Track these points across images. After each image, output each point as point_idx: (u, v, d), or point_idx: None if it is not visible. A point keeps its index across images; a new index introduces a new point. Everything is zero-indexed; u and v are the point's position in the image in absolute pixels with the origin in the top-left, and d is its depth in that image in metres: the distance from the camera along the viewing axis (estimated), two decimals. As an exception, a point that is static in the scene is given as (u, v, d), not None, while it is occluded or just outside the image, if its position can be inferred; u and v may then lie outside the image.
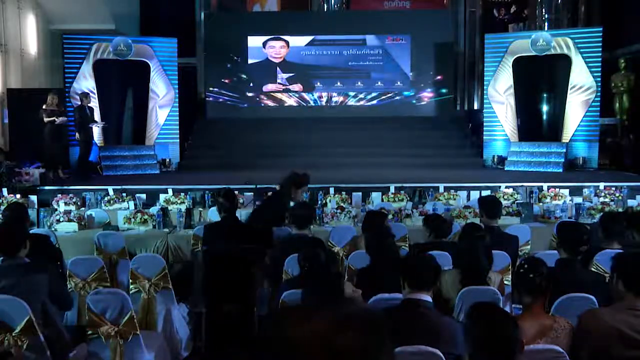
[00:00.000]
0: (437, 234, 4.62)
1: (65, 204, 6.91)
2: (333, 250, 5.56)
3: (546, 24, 13.20)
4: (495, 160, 11.89)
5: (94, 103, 10.93)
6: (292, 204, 5.50)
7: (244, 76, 14.37)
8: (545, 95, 12.51)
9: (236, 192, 7.43)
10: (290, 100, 14.48)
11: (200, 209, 6.66)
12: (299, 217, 4.80)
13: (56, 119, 9.87)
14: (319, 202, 7.14)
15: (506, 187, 7.83)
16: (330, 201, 7.15)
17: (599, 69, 11.35)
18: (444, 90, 14.36)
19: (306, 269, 3.74)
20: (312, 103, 14.48)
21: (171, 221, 6.28)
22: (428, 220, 4.81)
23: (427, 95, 14.41)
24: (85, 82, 11.42)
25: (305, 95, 14.47)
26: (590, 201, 7.01)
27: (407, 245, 5.41)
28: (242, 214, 6.31)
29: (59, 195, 7.38)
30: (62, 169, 10.04)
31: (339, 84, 14.41)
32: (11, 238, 3.60)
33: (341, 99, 14.45)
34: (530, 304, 2.87)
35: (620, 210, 6.43)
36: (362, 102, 14.43)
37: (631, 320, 2.66)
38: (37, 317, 3.35)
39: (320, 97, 14.48)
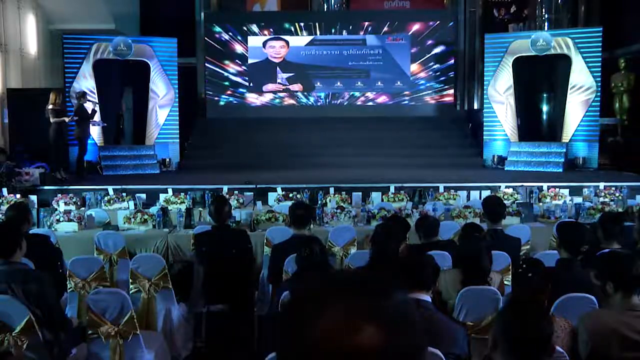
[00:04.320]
0: (426, 234, 4.62)
1: (65, 204, 6.90)
2: (332, 249, 5.56)
3: (546, 24, 13.21)
4: (495, 160, 11.89)
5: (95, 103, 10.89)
6: None
7: (244, 76, 14.36)
8: (545, 95, 12.52)
9: (236, 192, 7.49)
10: (291, 100, 14.48)
11: (200, 209, 6.66)
12: (297, 217, 4.79)
13: (65, 119, 9.84)
14: (319, 202, 7.14)
15: (506, 187, 7.83)
16: (330, 201, 7.15)
17: (599, 69, 11.35)
18: (443, 90, 14.37)
19: (303, 266, 3.74)
20: (312, 103, 14.49)
21: (171, 221, 6.28)
22: (416, 224, 4.82)
23: (427, 95, 14.41)
24: (85, 82, 11.41)
25: (305, 95, 14.47)
26: (590, 201, 7.01)
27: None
28: (242, 213, 6.33)
29: (59, 195, 7.38)
30: (63, 170, 10.00)
31: (339, 83, 14.42)
32: (5, 240, 3.54)
33: (341, 98, 14.46)
34: (530, 304, 2.87)
35: (620, 210, 6.43)
36: (362, 102, 14.44)
37: (631, 321, 2.66)
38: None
39: (320, 97, 14.48)
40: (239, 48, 14.31)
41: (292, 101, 14.49)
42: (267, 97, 14.46)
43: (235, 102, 14.41)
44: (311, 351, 0.78)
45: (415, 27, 14.22)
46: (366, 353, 0.76)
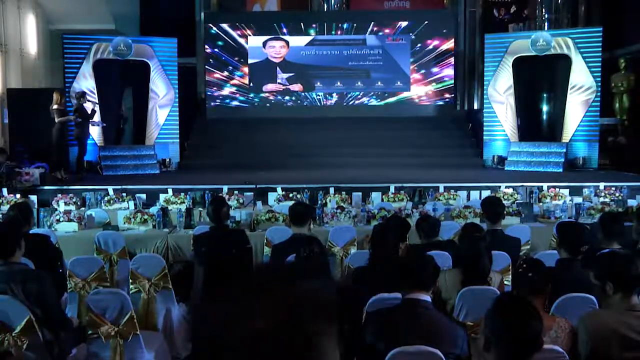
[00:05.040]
0: (427, 234, 4.61)
1: (65, 204, 6.91)
2: (332, 250, 5.56)
3: (546, 24, 13.22)
4: (495, 160, 11.89)
5: (95, 104, 10.88)
6: None
7: (244, 76, 14.37)
8: (545, 95, 12.51)
9: (236, 192, 7.49)
10: (291, 100, 14.48)
11: (200, 209, 6.65)
12: (296, 214, 4.79)
13: (70, 118, 9.90)
14: (319, 202, 7.14)
15: (506, 187, 7.83)
16: (330, 201, 7.15)
17: (599, 69, 11.35)
18: (443, 90, 14.36)
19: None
20: (312, 103, 14.49)
21: (171, 221, 6.29)
22: (417, 223, 4.81)
23: (427, 95, 14.41)
24: (85, 82, 11.41)
25: (305, 95, 14.48)
26: (590, 201, 7.01)
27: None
28: (242, 213, 6.33)
29: (59, 195, 7.38)
30: (64, 170, 10.00)
31: (339, 83, 14.42)
32: (4, 241, 3.53)
33: (341, 98, 14.45)
34: (530, 304, 2.86)
35: (620, 210, 6.43)
36: (362, 102, 14.44)
37: (631, 321, 2.66)
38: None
39: (320, 97, 14.48)
40: (239, 48, 14.30)
41: (292, 101, 14.49)
42: (267, 97, 14.46)
43: (235, 102, 14.41)
44: (208, 335, 0.87)
45: (415, 27, 14.21)
46: (256, 336, 0.83)
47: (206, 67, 14.30)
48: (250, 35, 14.28)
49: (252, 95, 14.42)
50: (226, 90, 14.35)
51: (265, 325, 0.84)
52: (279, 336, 0.84)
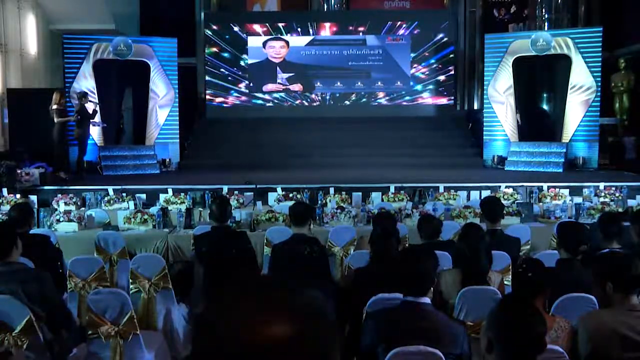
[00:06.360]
0: (428, 235, 4.59)
1: (65, 204, 6.90)
2: (332, 250, 5.56)
3: (546, 24, 13.22)
4: (495, 160, 11.89)
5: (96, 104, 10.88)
6: None
7: (244, 76, 14.37)
8: (545, 95, 12.52)
9: (236, 192, 7.49)
10: (291, 100, 14.49)
11: (200, 209, 6.66)
12: (297, 214, 4.78)
13: (71, 118, 9.92)
14: (319, 202, 7.14)
15: (506, 187, 7.83)
16: (330, 201, 7.15)
17: (599, 69, 11.34)
18: (443, 90, 14.37)
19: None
20: (312, 103, 14.48)
21: (171, 221, 6.29)
22: (419, 223, 4.79)
23: (427, 95, 14.42)
24: (85, 82, 11.41)
25: (305, 95, 14.48)
26: (590, 201, 7.01)
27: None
28: (242, 213, 6.33)
29: (59, 195, 7.38)
30: (65, 170, 10.00)
31: (339, 84, 14.42)
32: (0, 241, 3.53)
33: (341, 99, 14.45)
34: (530, 304, 2.86)
35: (620, 210, 6.43)
36: (362, 102, 14.43)
37: (631, 321, 2.66)
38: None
39: (320, 97, 14.48)
40: (238, 48, 14.30)
41: (292, 101, 14.50)
42: (267, 98, 14.46)
43: (235, 102, 14.41)
44: (224, 344, 0.81)
45: (416, 27, 14.22)
46: (276, 343, 0.79)
47: (206, 67, 14.31)
48: (250, 35, 14.28)
49: (252, 95, 14.42)
50: (226, 90, 14.35)
51: (283, 333, 0.79)
52: (297, 345, 0.79)
